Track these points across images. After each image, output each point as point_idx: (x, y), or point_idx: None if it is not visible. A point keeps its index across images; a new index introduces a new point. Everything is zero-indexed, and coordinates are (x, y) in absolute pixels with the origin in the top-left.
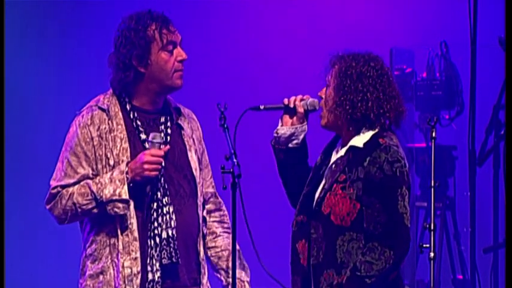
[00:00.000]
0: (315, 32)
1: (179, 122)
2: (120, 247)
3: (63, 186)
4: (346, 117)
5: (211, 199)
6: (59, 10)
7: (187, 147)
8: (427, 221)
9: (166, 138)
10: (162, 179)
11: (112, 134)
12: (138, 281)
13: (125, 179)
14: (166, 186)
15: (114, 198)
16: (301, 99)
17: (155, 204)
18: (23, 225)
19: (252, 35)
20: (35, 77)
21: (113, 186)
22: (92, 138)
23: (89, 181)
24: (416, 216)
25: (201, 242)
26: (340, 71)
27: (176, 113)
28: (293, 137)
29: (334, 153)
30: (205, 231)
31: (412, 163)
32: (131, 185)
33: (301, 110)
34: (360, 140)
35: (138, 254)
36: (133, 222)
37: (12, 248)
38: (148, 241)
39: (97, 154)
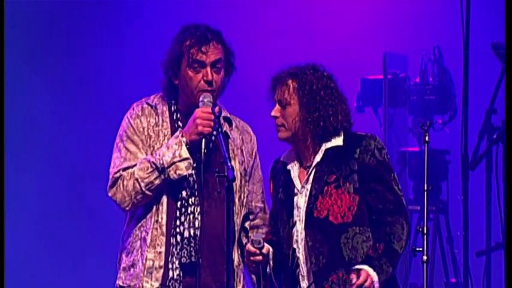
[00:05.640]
0: (308, 37)
1: (227, 130)
2: (149, 240)
3: (125, 169)
4: (316, 132)
5: (260, 214)
6: (59, 10)
7: (232, 156)
8: (420, 225)
9: (208, 145)
10: (191, 179)
11: (157, 128)
12: (159, 275)
13: (181, 142)
14: (195, 187)
15: (175, 160)
16: (250, 251)
17: (179, 203)
18: (23, 225)
19: (246, 40)
20: (35, 77)
21: (171, 150)
22: (143, 128)
23: (148, 156)
24: (410, 220)
25: (236, 249)
26: (303, 87)
27: (225, 122)
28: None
29: (294, 176)
30: (243, 242)
31: (405, 167)
32: (188, 146)
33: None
34: (335, 141)
35: (163, 249)
36: (163, 217)
37: (12, 249)
38: (171, 239)
39: (147, 143)
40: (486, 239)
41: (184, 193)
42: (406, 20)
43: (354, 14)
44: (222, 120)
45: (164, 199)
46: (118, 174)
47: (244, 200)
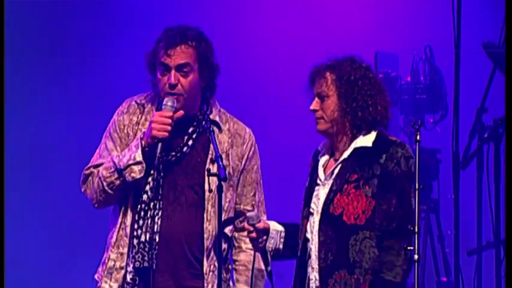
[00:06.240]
0: (299, 37)
1: (211, 134)
2: (114, 239)
3: (96, 166)
4: (355, 123)
5: None
6: (59, 10)
7: (208, 159)
8: (412, 224)
9: (182, 149)
10: (154, 183)
11: (136, 127)
12: (119, 276)
13: (140, 144)
14: (160, 191)
15: (130, 162)
16: (247, 229)
17: (138, 206)
18: (23, 224)
19: (238, 39)
20: (35, 77)
21: (130, 152)
22: (124, 126)
23: (114, 155)
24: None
25: (206, 256)
26: (340, 79)
27: (213, 125)
28: (277, 242)
29: (320, 166)
30: (223, 247)
31: None
32: (146, 149)
33: (250, 228)
34: (365, 141)
35: (126, 251)
36: (128, 218)
37: (12, 249)
38: (131, 242)
39: (125, 141)
40: (477, 238)
41: (145, 196)
42: (398, 20)
43: (346, 14)
44: (209, 124)
45: (130, 200)
46: (89, 171)
47: (226, 205)
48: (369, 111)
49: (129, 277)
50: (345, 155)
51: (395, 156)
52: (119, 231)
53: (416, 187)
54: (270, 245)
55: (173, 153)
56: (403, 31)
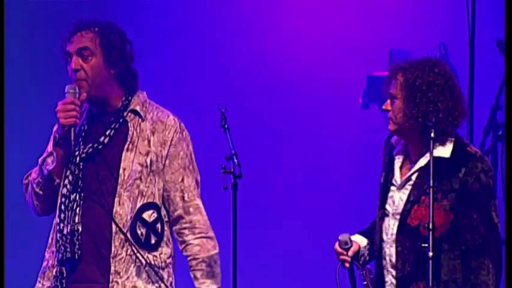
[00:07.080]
0: (313, 34)
1: (130, 123)
2: (49, 240)
3: (31, 174)
4: (418, 129)
5: (180, 204)
6: (59, 10)
7: (126, 146)
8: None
9: (99, 139)
10: (72, 176)
11: None
12: (51, 274)
13: (53, 138)
14: (81, 183)
15: (45, 155)
16: (340, 253)
17: (59, 199)
18: (23, 224)
19: (250, 36)
20: (35, 77)
21: (47, 148)
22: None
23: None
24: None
25: (117, 239)
26: (407, 82)
27: (136, 116)
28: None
29: (397, 167)
30: (141, 231)
31: None
32: (61, 140)
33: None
34: (443, 151)
35: (55, 248)
36: (57, 216)
37: (12, 249)
38: (56, 237)
39: None
40: None
41: (65, 190)
42: (412, 17)
43: (361, 11)
44: (130, 114)
45: (59, 198)
46: (27, 181)
47: (145, 190)
48: (428, 118)
49: (54, 271)
50: (422, 162)
51: (475, 171)
52: (54, 231)
53: (431, 184)
54: (361, 262)
55: (90, 145)
56: (418, 29)
